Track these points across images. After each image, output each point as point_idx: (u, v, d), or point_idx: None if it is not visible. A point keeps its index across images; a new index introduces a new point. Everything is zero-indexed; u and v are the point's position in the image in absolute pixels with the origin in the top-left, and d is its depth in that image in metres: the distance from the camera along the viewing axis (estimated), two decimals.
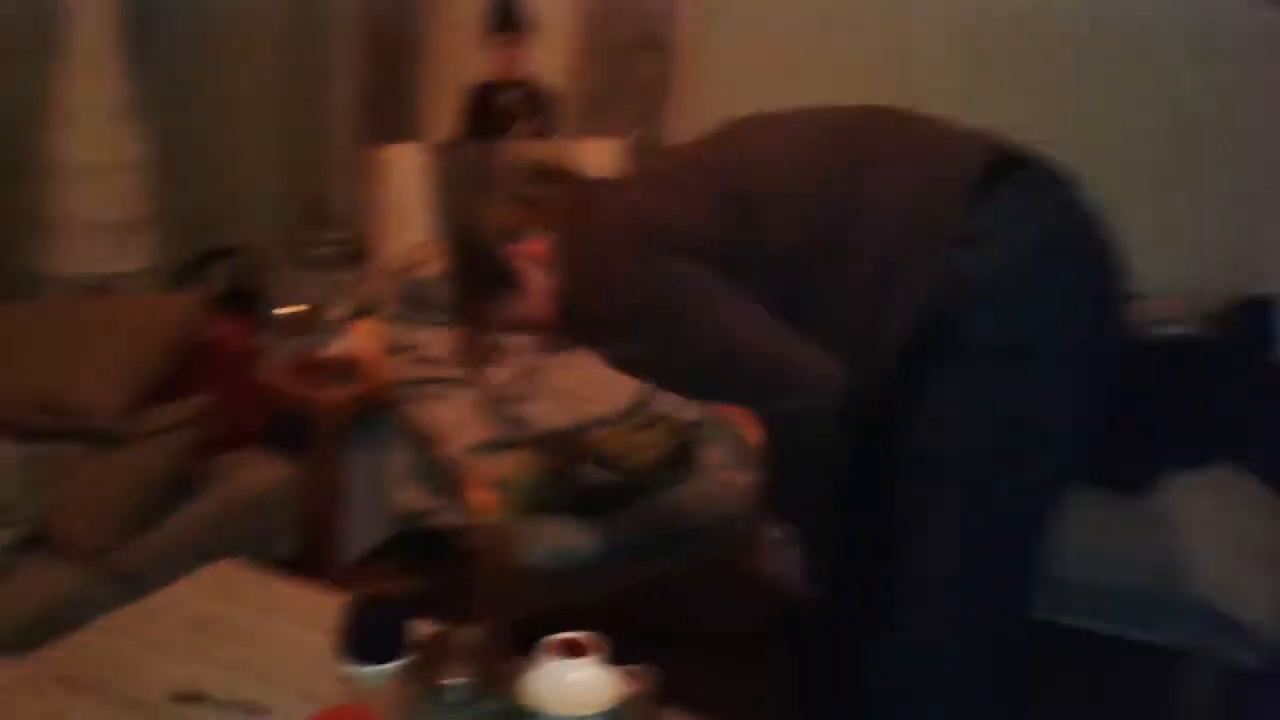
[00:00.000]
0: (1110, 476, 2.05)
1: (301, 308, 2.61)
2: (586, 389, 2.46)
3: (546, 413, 2.35)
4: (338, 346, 2.58)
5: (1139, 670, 2.32)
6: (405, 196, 2.65)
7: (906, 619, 1.57)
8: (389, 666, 1.28)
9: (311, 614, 1.47)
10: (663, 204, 1.58)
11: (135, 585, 1.72)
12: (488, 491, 2.12)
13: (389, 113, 3.14)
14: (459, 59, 3.03)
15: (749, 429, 2.45)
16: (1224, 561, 1.98)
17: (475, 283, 1.72)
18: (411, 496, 2.37)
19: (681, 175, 1.64)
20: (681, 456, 2.36)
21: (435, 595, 2.39)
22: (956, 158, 1.51)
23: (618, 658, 1.28)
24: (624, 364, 1.70)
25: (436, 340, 2.38)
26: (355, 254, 2.78)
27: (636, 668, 1.29)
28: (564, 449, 2.24)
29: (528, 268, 1.65)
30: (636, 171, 1.72)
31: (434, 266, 2.37)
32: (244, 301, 2.62)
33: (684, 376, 1.64)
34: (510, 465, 2.20)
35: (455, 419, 2.29)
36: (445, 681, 1.25)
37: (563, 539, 2.08)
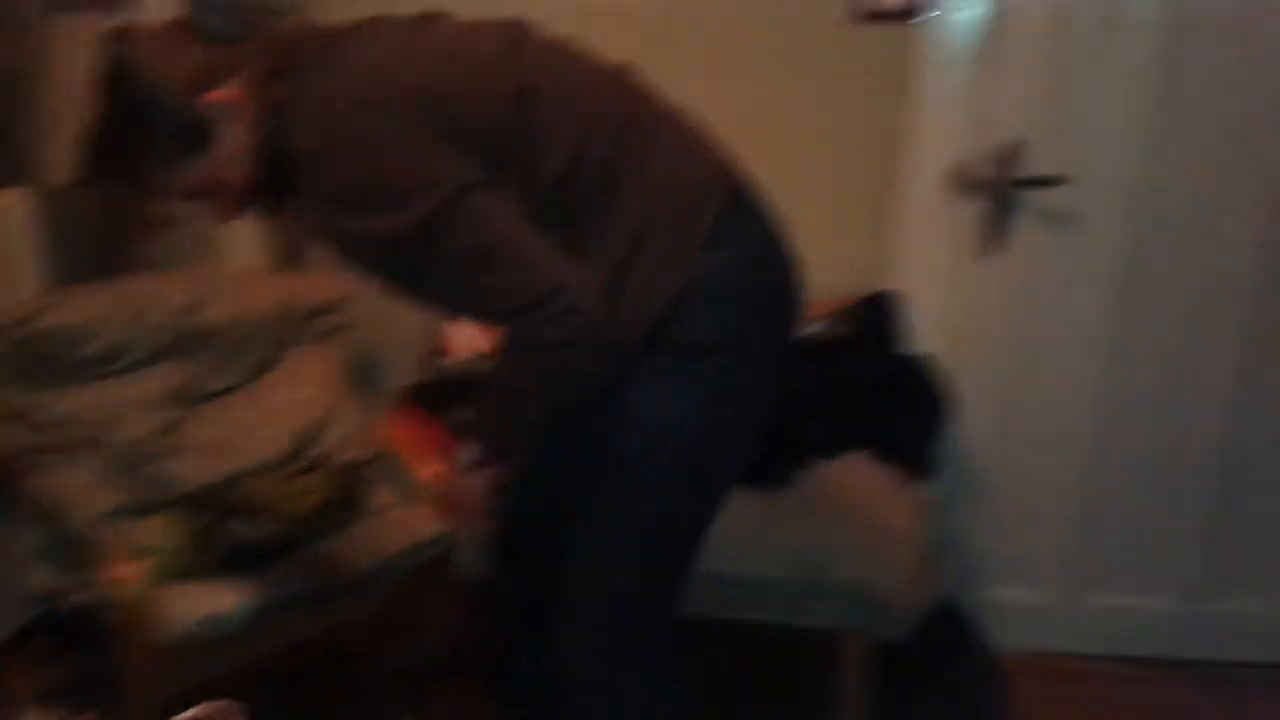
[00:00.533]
0: (757, 474, 2.16)
1: None
2: (237, 438, 2.33)
3: (191, 468, 2.21)
4: None
5: (797, 654, 2.48)
6: (11, 247, 2.41)
7: (566, 609, 1.62)
8: None
9: None
10: (444, 77, 1.45)
11: None
12: (126, 562, 1.96)
13: None
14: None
15: (418, 467, 2.41)
16: (862, 544, 2.12)
17: (144, 138, 1.44)
18: (43, 576, 2.16)
19: (472, 57, 1.49)
20: (346, 500, 2.28)
21: (81, 681, 2.21)
22: (717, 168, 1.58)
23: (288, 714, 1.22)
24: (345, 246, 1.48)
25: (62, 399, 2.18)
26: None
27: None
28: (211, 505, 2.11)
29: (221, 120, 1.44)
30: (405, 32, 1.51)
31: (53, 317, 2.18)
32: None
33: (427, 273, 1.43)
34: (151, 530, 2.04)
35: (83, 485, 2.10)
36: None
37: (215, 603, 1.96)
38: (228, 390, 2.40)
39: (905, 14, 2.44)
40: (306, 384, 2.49)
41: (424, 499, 2.35)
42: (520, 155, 1.45)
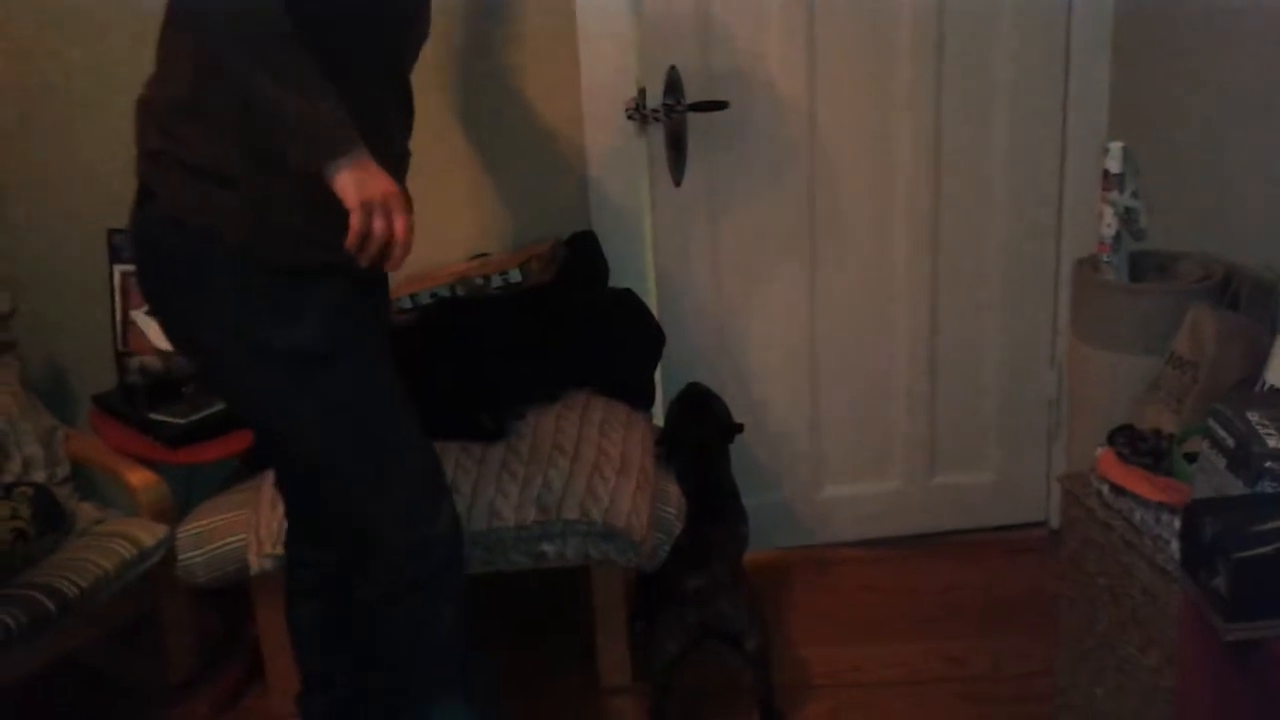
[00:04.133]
0: (473, 428, 2.17)
1: None
2: None
3: None
4: None
5: (553, 592, 2.54)
6: None
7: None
8: None
9: None
10: None
11: None
12: None
13: None
14: None
15: (124, 474, 2.29)
16: (591, 479, 2.17)
17: None
18: None
19: None
20: (45, 524, 2.14)
21: None
22: None
23: None
24: None
25: None
26: None
27: None
28: None
29: None
30: None
31: None
32: None
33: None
34: None
35: None
36: None
37: None
38: None
39: None
40: None
41: (136, 507, 2.26)
42: None
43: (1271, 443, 1.47)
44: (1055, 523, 2.81)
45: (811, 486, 2.84)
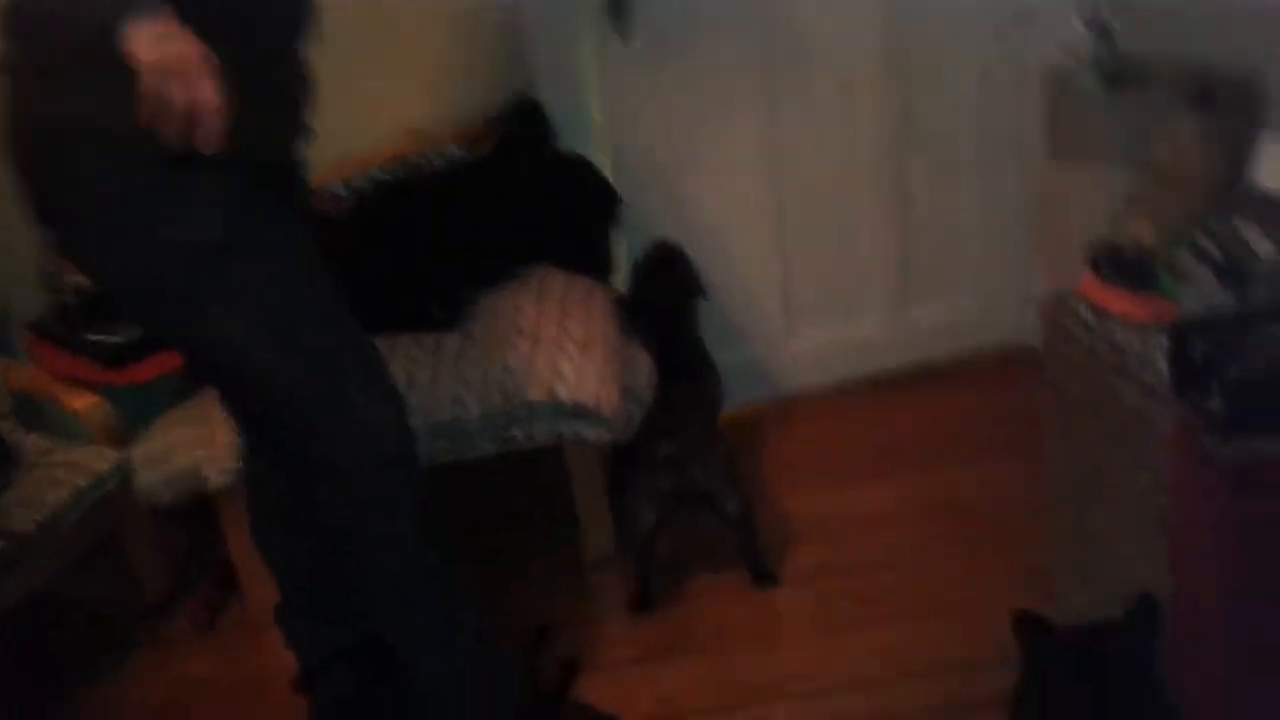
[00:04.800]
0: (422, 319, 2.07)
1: None
2: None
3: None
4: None
5: (529, 474, 2.47)
6: None
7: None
8: None
9: None
10: None
11: None
12: None
13: None
14: None
15: (68, 401, 2.19)
16: (552, 357, 2.09)
17: None
18: None
19: None
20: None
21: None
22: None
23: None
24: None
25: None
26: None
27: None
28: None
29: None
30: None
31: None
32: None
33: None
34: None
35: None
36: None
37: None
38: None
39: None
40: None
41: (85, 433, 2.18)
42: None
43: (1261, 250, 1.38)
44: (1036, 342, 2.74)
45: (783, 336, 2.74)
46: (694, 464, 2.03)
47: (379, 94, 2.41)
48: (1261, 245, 1.39)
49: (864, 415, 2.67)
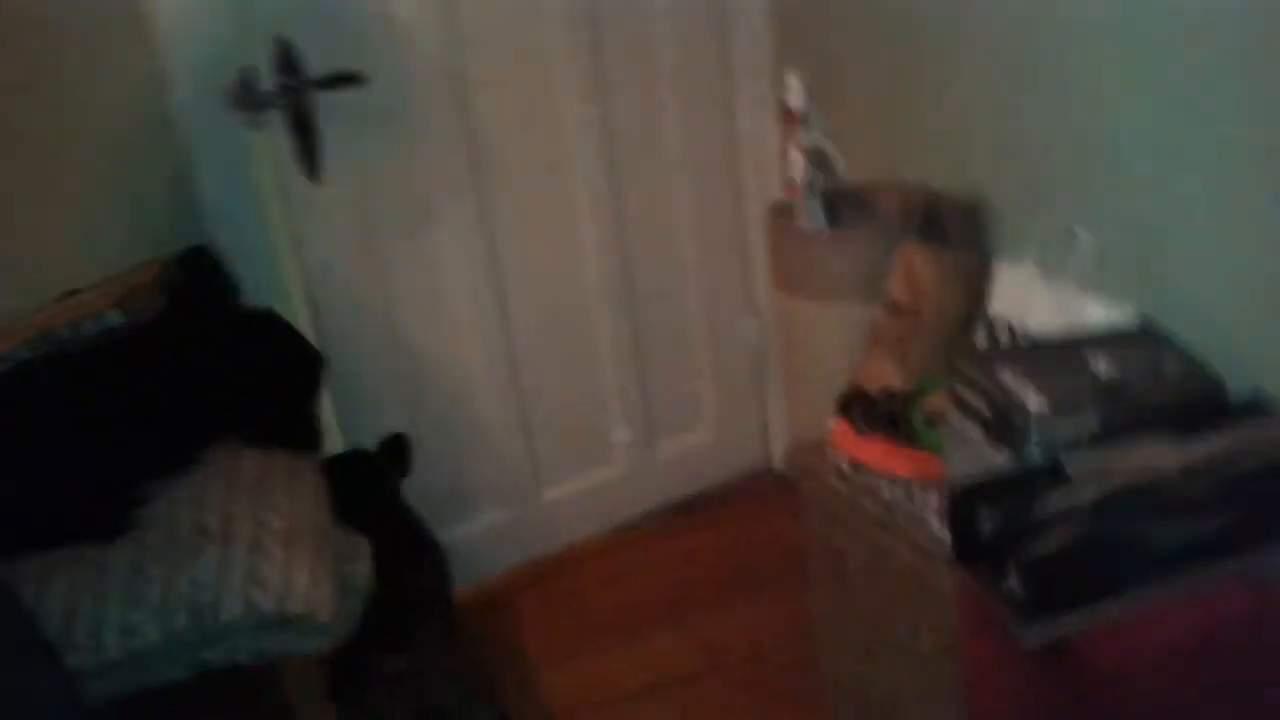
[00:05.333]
0: (81, 529, 1.70)
1: None
2: None
3: None
4: None
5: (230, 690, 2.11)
6: None
7: None
8: None
9: None
10: None
11: None
12: None
13: None
14: None
15: None
16: (252, 559, 1.76)
17: None
18: None
19: None
20: None
21: None
22: None
23: None
24: None
25: None
26: None
27: None
28: None
29: None
30: None
31: None
32: None
33: None
34: None
35: None
36: None
37: None
38: None
39: None
40: None
41: None
42: None
43: (1032, 405, 1.29)
44: (780, 467, 2.68)
45: (530, 493, 2.53)
46: (433, 680, 1.74)
47: (18, 253, 2.03)
48: (1031, 397, 1.30)
49: (624, 563, 2.51)
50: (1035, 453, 1.28)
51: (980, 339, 1.71)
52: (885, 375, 1.76)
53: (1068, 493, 1.20)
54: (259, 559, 1.75)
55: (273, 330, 2.09)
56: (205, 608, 1.67)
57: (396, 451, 2.13)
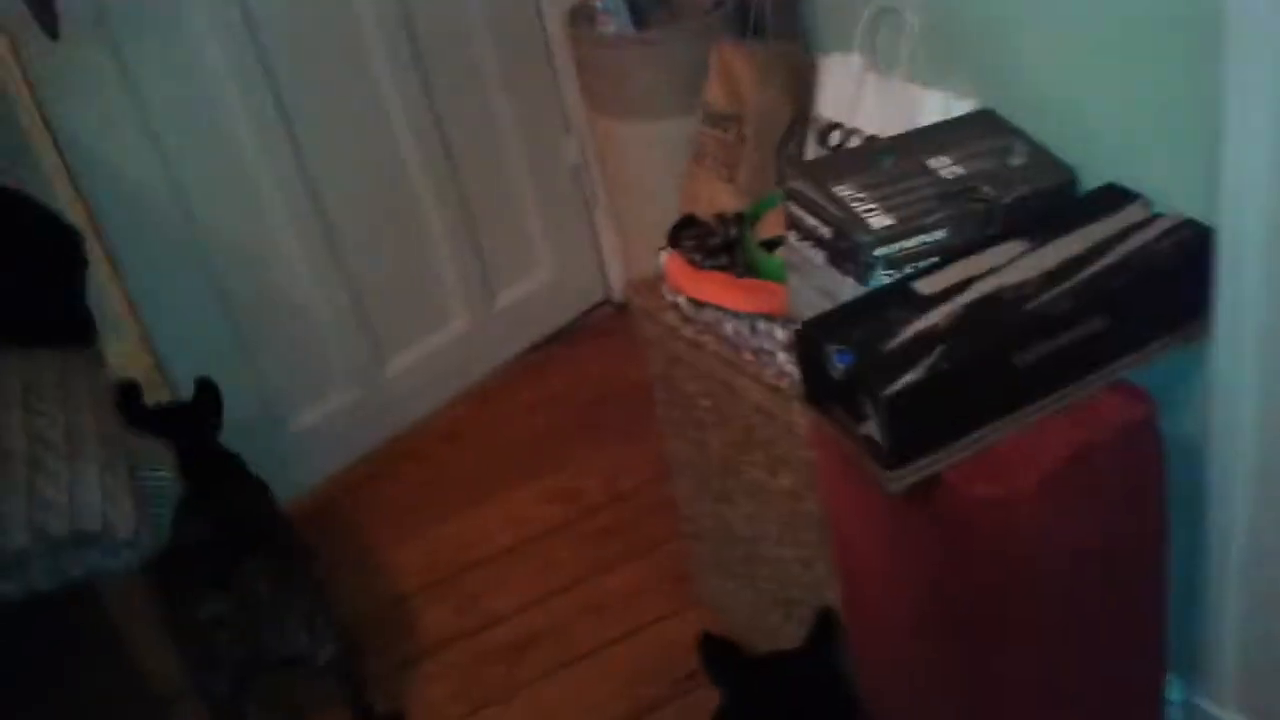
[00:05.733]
0: None
1: None
2: None
3: None
4: None
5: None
6: None
7: None
8: None
9: None
10: None
11: None
12: None
13: None
14: None
15: None
16: (32, 479, 1.55)
17: None
18: None
19: None
20: None
21: None
22: None
23: None
24: None
25: None
26: None
27: None
28: None
29: None
30: None
31: None
32: None
33: None
34: None
35: None
36: None
37: None
38: None
39: None
40: None
41: None
42: None
43: (875, 222, 1.16)
44: (620, 298, 2.53)
45: (373, 371, 2.32)
46: (262, 623, 1.55)
47: None
48: (874, 214, 1.16)
49: (472, 425, 2.36)
50: (882, 275, 1.16)
51: (810, 146, 1.56)
52: (715, 197, 1.60)
53: (921, 318, 1.08)
54: (40, 477, 1.55)
55: (15, 211, 1.81)
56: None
57: (209, 399, 1.88)
